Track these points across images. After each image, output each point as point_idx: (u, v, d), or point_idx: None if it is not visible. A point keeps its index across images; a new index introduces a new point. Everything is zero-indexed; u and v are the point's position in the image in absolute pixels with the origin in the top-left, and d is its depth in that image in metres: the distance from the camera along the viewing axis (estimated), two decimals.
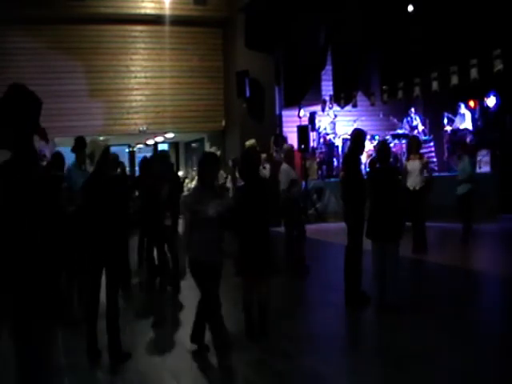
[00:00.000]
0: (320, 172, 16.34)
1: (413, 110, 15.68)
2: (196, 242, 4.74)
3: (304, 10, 13.80)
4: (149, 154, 13.11)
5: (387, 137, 15.37)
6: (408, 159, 9.55)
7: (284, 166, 8.27)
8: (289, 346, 5.11)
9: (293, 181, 8.06)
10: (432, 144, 15.07)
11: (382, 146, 6.54)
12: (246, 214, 5.25)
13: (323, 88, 17.01)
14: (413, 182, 8.98)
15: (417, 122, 15.51)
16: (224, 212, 4.78)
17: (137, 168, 20.72)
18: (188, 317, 6.47)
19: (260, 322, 5.37)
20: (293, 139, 15.97)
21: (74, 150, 6.81)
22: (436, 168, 14.53)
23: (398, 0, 12.25)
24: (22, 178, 2.62)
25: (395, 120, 15.87)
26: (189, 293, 7.67)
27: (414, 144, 9.65)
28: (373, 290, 6.15)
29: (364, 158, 14.17)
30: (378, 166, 6.46)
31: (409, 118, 15.63)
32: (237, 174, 9.00)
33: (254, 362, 4.73)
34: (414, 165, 9.10)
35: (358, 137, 6.68)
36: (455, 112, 14.63)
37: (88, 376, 4.63)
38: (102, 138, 6.08)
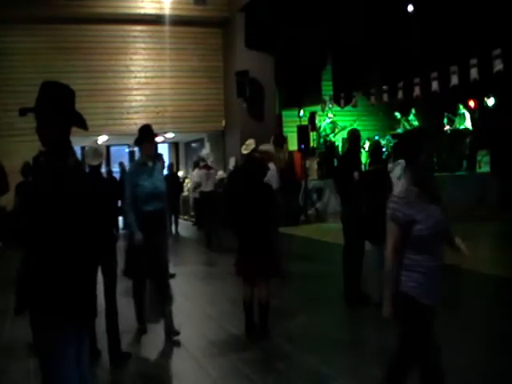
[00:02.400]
0: (320, 172, 16.35)
1: (413, 110, 15.71)
2: (415, 272, 3.02)
3: (304, 9, 13.80)
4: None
5: (387, 136, 15.39)
6: (395, 160, 8.62)
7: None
8: (289, 346, 5.11)
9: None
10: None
11: (374, 147, 6.51)
12: (247, 214, 5.27)
13: (323, 88, 17.02)
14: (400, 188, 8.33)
15: (417, 122, 15.55)
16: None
17: None
18: (189, 316, 6.47)
19: (260, 321, 5.38)
20: (293, 139, 15.98)
21: (139, 142, 5.55)
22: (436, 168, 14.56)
23: (398, 0, 12.25)
24: (43, 174, 2.62)
25: (397, 116, 15.84)
26: (189, 291, 7.68)
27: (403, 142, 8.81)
28: (372, 290, 6.15)
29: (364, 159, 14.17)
30: (370, 167, 6.42)
31: (409, 118, 15.66)
32: None
33: (253, 362, 4.73)
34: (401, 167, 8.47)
35: (354, 137, 6.69)
36: (455, 112, 14.64)
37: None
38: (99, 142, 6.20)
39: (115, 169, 15.59)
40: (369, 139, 15.59)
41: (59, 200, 2.59)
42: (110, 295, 4.93)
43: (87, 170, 4.95)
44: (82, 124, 2.77)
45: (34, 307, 2.60)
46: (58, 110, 2.68)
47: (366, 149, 15.29)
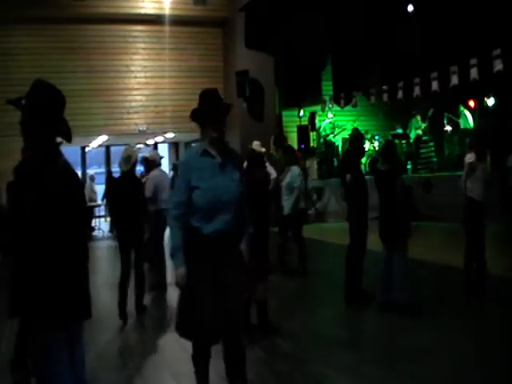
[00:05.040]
0: (320, 172, 16.35)
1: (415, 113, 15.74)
2: None
3: (304, 9, 13.80)
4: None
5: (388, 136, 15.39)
6: (479, 159, 6.58)
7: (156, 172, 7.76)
8: (289, 345, 5.11)
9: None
10: (432, 144, 15.10)
11: (386, 146, 6.47)
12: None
13: (323, 88, 17.03)
14: (482, 191, 6.47)
15: (419, 123, 15.57)
16: None
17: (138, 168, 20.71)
18: None
19: (260, 321, 5.37)
20: (293, 139, 15.98)
21: (198, 116, 3.62)
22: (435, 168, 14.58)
23: (398, 0, 12.25)
24: (34, 177, 2.62)
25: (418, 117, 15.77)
26: None
27: (482, 139, 6.95)
28: (375, 290, 6.16)
29: (364, 159, 14.19)
30: (381, 167, 6.36)
31: (413, 120, 15.70)
32: None
33: (253, 362, 4.72)
34: (485, 168, 6.64)
35: (357, 139, 6.69)
36: (457, 113, 14.62)
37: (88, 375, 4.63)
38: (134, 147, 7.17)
39: (115, 169, 15.59)
40: (369, 139, 15.59)
41: (48, 202, 2.59)
42: (139, 266, 6.46)
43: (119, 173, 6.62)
44: (66, 134, 2.75)
45: (21, 309, 2.61)
46: (50, 112, 2.69)
47: (377, 148, 15.32)
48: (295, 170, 7.99)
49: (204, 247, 3.25)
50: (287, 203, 7.96)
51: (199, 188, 3.25)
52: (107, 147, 20.53)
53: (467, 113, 14.41)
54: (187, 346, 5.22)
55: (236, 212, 3.35)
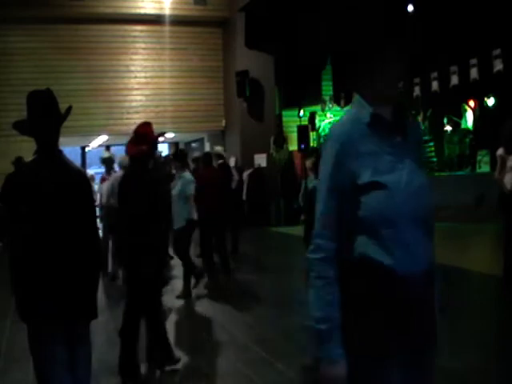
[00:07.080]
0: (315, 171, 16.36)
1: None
2: None
3: (304, 9, 13.80)
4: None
5: None
6: (509, 152, 6.87)
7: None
8: (289, 345, 5.11)
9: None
10: (432, 144, 15.12)
11: None
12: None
13: (323, 88, 17.04)
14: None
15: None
16: None
17: None
18: (188, 316, 6.48)
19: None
20: (293, 139, 15.99)
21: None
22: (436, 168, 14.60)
23: (398, 0, 12.27)
24: (42, 179, 2.64)
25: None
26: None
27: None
28: None
29: None
30: None
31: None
32: None
33: (253, 362, 4.73)
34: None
35: None
36: (459, 113, 14.63)
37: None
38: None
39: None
40: None
41: (44, 202, 2.62)
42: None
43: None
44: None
45: (22, 309, 2.63)
46: (58, 117, 2.77)
47: None
48: (187, 176, 7.23)
49: (391, 299, 1.74)
50: (183, 213, 7.01)
51: (383, 186, 1.71)
52: (107, 147, 20.54)
53: (469, 112, 14.43)
54: (187, 345, 5.23)
55: (431, 231, 1.96)
